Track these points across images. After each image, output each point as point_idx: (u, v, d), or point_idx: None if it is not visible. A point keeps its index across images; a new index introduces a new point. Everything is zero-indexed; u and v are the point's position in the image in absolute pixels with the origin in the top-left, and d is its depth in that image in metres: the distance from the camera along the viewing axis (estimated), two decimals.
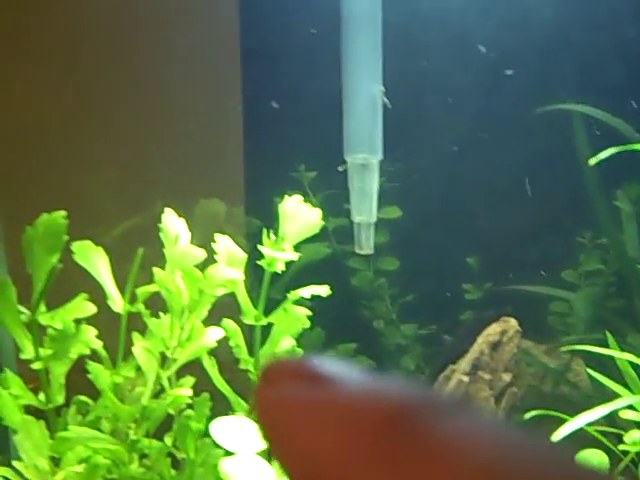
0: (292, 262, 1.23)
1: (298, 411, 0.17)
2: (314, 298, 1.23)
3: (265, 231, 0.96)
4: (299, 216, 0.99)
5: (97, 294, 0.92)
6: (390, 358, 1.41)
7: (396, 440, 0.16)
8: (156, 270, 0.89)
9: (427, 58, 1.15)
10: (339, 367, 0.18)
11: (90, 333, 0.89)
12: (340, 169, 1.01)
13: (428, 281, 1.46)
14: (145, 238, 1.01)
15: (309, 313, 1.01)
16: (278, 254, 0.97)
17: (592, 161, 0.91)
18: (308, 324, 1.02)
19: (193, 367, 0.98)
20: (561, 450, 0.16)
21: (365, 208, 1.00)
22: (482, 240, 1.42)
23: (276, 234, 0.99)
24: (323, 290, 0.98)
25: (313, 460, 0.17)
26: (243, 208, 1.14)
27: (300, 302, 1.05)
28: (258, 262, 0.97)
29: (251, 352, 1.00)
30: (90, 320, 0.90)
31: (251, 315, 0.99)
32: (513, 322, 1.04)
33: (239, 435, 0.91)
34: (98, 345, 0.90)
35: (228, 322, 0.96)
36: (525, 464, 0.16)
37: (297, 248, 1.21)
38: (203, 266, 0.94)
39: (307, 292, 0.98)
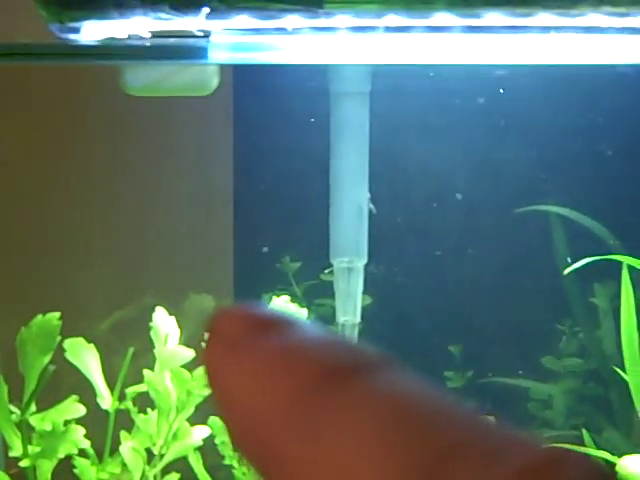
0: None
1: (235, 363, 0.17)
2: None
3: None
4: None
5: (85, 387, 0.94)
6: None
7: (322, 397, 0.16)
8: (146, 372, 0.92)
9: (411, 166, 1.19)
10: (286, 316, 0.18)
11: (79, 433, 0.91)
12: (326, 272, 1.05)
13: (411, 368, 1.48)
14: (134, 331, 1.03)
15: None
16: None
17: (566, 271, 0.95)
18: None
19: (179, 462, 1.00)
20: (485, 417, 0.16)
21: (350, 309, 1.04)
22: (465, 330, 1.45)
23: None
24: None
25: (246, 417, 0.17)
26: (232, 303, 1.17)
27: None
28: None
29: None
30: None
31: None
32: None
33: None
34: (86, 444, 0.91)
35: (215, 420, 0.99)
36: (446, 425, 0.16)
37: None
38: (193, 363, 0.97)
39: None
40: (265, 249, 1.18)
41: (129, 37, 0.79)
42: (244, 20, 0.76)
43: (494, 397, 1.44)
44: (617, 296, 1.32)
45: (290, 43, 0.82)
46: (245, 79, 1.13)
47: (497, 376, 1.43)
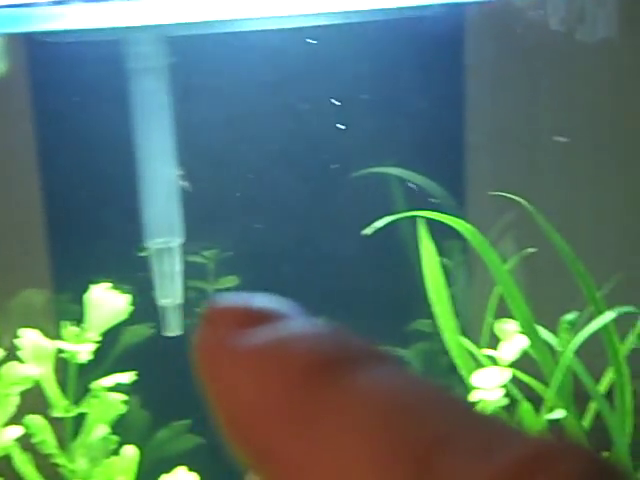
0: (113, 346, 1.22)
1: (228, 356, 0.17)
2: (147, 378, 1.23)
3: (64, 324, 0.96)
4: (106, 304, 0.99)
5: None
6: None
7: (311, 391, 0.16)
8: None
9: (225, 135, 1.16)
10: (278, 308, 0.18)
11: None
12: (143, 254, 1.01)
13: None
14: None
15: (124, 398, 1.01)
16: (76, 347, 0.96)
17: (367, 231, 0.93)
18: (124, 409, 1.01)
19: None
20: (473, 408, 0.16)
21: (169, 291, 1.01)
22: (324, 301, 1.43)
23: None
24: (126, 377, 0.98)
25: (237, 409, 0.17)
26: (51, 296, 1.14)
27: (133, 385, 1.04)
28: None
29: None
30: None
31: (60, 407, 0.98)
32: None
33: None
34: None
35: (33, 418, 0.95)
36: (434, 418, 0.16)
37: (118, 332, 1.21)
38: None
39: (110, 381, 0.98)
40: (80, 237, 1.14)
41: None
42: None
43: None
44: (464, 253, 1.33)
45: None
46: (40, 57, 1.08)
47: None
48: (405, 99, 1.21)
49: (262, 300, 0.19)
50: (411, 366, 1.43)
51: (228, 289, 1.47)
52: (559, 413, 0.89)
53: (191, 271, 1.43)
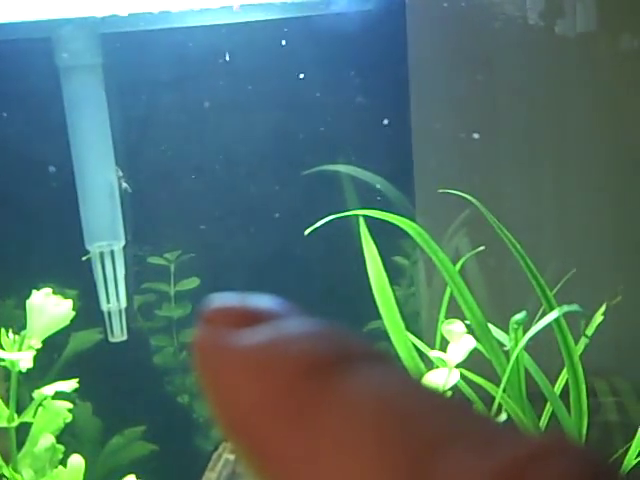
0: (62, 352, 1.20)
1: (226, 357, 0.17)
2: (98, 385, 1.20)
3: (3, 332, 0.93)
4: (48, 310, 0.97)
5: None
6: (198, 432, 1.39)
7: (309, 392, 0.16)
8: None
9: (167, 134, 1.14)
10: (277, 308, 0.18)
11: None
12: (84, 259, 0.99)
13: None
14: None
15: (70, 406, 0.98)
16: (16, 355, 0.93)
17: (307, 231, 0.91)
18: (70, 418, 0.99)
19: None
20: (470, 407, 0.16)
21: (112, 295, 0.98)
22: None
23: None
24: (69, 385, 0.95)
25: (235, 408, 0.17)
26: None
27: (84, 392, 1.02)
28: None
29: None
30: None
31: (2, 417, 0.95)
32: None
33: None
34: None
35: None
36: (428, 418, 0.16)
37: (67, 336, 1.18)
38: None
39: (52, 389, 0.95)
40: (21, 242, 1.11)
41: None
42: None
43: None
44: (417, 252, 1.31)
45: None
46: None
47: None
48: (350, 96, 1.19)
49: (259, 300, 0.19)
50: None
51: (189, 291, 1.45)
52: (503, 416, 0.87)
53: (151, 273, 1.41)
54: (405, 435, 0.15)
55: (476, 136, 1.20)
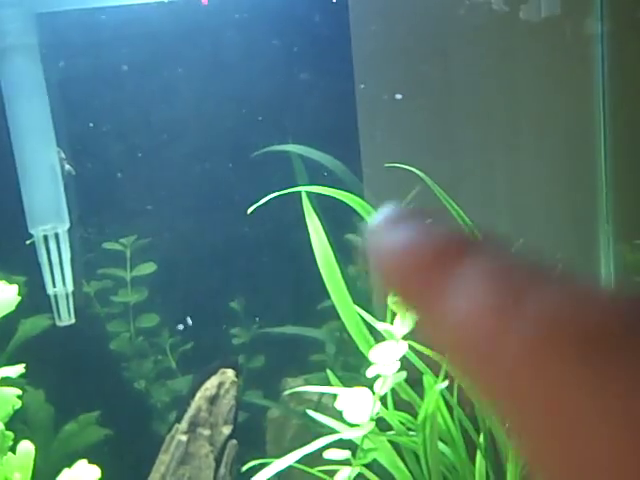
0: (10, 339, 1.19)
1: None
2: (51, 371, 1.19)
3: None
4: None
5: None
6: (155, 416, 1.38)
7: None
8: None
9: (114, 115, 1.12)
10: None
11: None
12: (28, 242, 0.98)
13: (193, 330, 1.44)
14: None
15: (19, 392, 0.97)
16: None
17: (250, 210, 0.91)
18: (19, 404, 0.98)
19: None
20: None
21: (58, 279, 0.97)
22: (242, 285, 1.41)
23: None
24: (15, 370, 0.94)
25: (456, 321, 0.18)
26: None
27: (37, 378, 1.01)
28: None
29: None
30: None
31: None
32: (230, 373, 1.03)
33: None
34: None
35: None
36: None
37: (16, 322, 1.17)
38: None
39: None
40: None
41: None
42: None
43: (281, 347, 1.42)
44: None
45: None
46: None
47: (280, 325, 1.39)
48: (295, 77, 1.18)
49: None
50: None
51: (146, 276, 1.44)
52: (444, 384, 0.87)
53: (106, 259, 1.40)
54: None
55: (399, 96, 1.20)
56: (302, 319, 1.37)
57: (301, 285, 1.38)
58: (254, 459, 0.96)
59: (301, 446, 0.99)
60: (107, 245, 1.38)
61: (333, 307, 1.34)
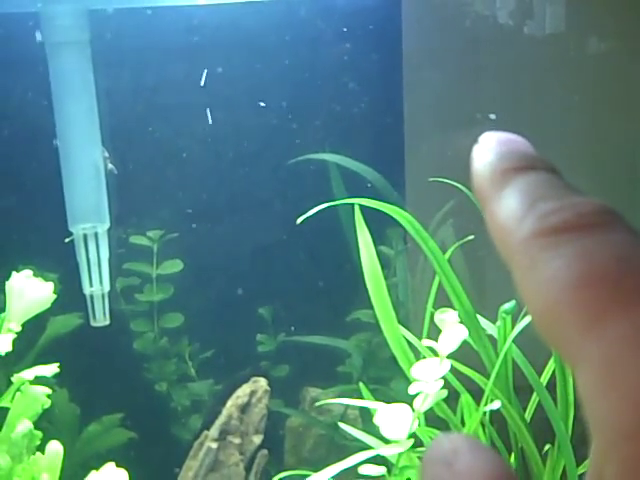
0: (41, 336, 1.18)
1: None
2: (77, 371, 1.18)
3: None
4: (28, 292, 0.94)
5: None
6: (175, 420, 1.37)
7: None
8: None
9: (157, 120, 1.11)
10: None
11: None
12: (67, 240, 0.96)
13: (218, 334, 1.42)
14: None
15: (48, 391, 0.96)
16: None
17: (299, 220, 0.89)
18: (49, 403, 0.97)
19: None
20: None
21: (96, 278, 0.96)
22: (272, 292, 1.39)
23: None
24: (49, 369, 0.93)
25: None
26: None
27: (62, 378, 1.00)
28: None
29: None
30: None
31: None
32: (262, 382, 1.01)
33: None
34: None
35: None
36: None
37: (46, 320, 1.16)
38: None
39: (32, 373, 0.93)
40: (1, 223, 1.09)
41: None
42: None
43: (306, 356, 1.40)
44: (403, 241, 1.30)
45: None
46: None
47: (308, 334, 1.38)
48: (343, 87, 1.17)
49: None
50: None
51: (173, 274, 1.42)
52: (496, 404, 0.86)
53: (134, 254, 1.38)
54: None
55: (491, 116, 1.19)
56: (330, 330, 1.35)
57: (332, 296, 1.37)
58: (272, 468, 0.95)
59: (320, 456, 0.98)
60: (134, 239, 1.35)
61: (361, 319, 1.33)
